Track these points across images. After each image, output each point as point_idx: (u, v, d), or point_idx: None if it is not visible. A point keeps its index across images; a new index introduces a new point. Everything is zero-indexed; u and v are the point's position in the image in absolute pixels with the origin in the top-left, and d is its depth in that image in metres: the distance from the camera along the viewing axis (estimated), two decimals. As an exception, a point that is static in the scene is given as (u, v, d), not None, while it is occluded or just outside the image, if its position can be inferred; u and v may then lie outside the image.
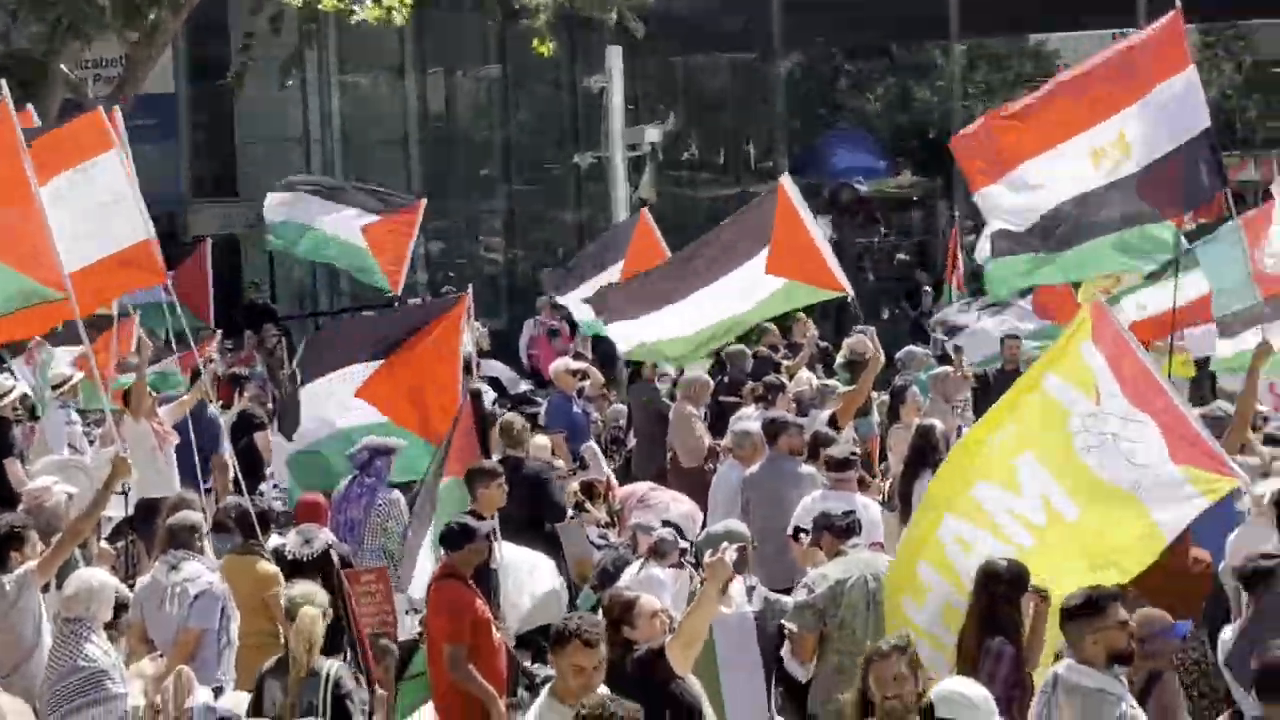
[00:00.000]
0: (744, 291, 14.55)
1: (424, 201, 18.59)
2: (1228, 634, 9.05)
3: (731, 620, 9.91)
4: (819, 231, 14.82)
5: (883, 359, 15.14)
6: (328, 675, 8.85)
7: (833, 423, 14.64)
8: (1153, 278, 15.26)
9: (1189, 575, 9.49)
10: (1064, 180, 13.63)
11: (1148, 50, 13.59)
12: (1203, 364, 17.16)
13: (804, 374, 18.22)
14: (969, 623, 8.66)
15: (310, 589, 9.22)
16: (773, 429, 13.42)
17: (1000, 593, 8.64)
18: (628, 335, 14.96)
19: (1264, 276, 14.51)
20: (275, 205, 19.13)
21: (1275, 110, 35.85)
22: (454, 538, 10.26)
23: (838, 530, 10.39)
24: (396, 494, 12.68)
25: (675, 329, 14.67)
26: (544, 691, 8.04)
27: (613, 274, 17.25)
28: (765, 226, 14.38)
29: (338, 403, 13.45)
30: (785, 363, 18.73)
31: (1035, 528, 9.17)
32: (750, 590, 10.25)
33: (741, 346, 18.60)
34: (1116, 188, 13.44)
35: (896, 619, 9.19)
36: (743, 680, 9.98)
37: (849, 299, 14.56)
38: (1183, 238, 14.37)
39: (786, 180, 14.71)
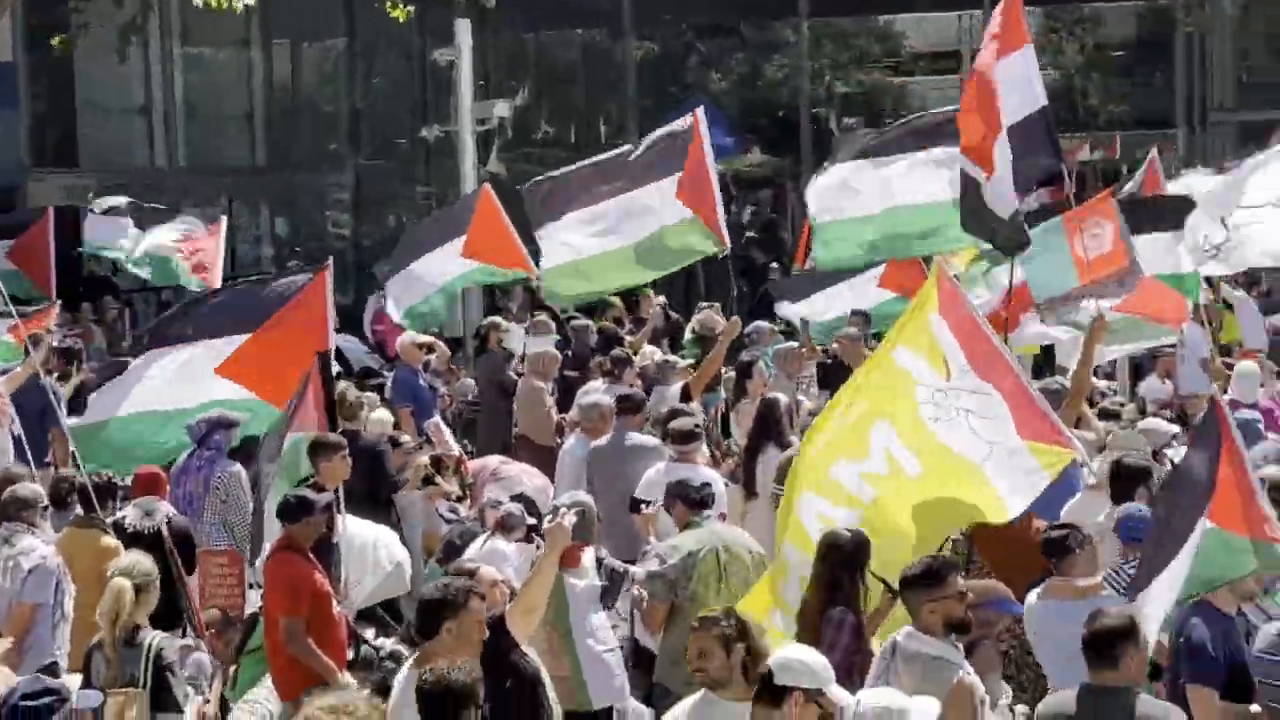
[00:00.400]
0: (655, 210, 15.06)
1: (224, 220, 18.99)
2: (1032, 599, 9.17)
3: (584, 591, 9.91)
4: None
5: (738, 329, 15.29)
6: (149, 646, 8.75)
7: (685, 396, 14.73)
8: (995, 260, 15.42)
9: (1031, 546, 9.61)
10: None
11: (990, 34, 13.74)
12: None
13: (647, 349, 18.27)
14: (811, 592, 8.72)
15: (133, 561, 9.10)
16: (626, 405, 13.46)
17: (842, 562, 8.70)
18: (552, 243, 15.33)
19: (1083, 263, 14.77)
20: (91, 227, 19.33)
21: (1116, 93, 36.39)
22: (291, 510, 10.13)
23: (691, 501, 10.41)
24: (237, 467, 12.51)
25: (595, 243, 15.14)
26: (409, 661, 7.94)
27: (453, 249, 17.13)
28: (678, 156, 14.94)
29: (182, 378, 13.14)
30: (629, 338, 18.74)
31: (878, 478, 9.27)
32: (599, 561, 10.27)
33: (587, 321, 18.66)
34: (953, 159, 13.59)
35: (762, 600, 9.20)
36: (599, 649, 9.97)
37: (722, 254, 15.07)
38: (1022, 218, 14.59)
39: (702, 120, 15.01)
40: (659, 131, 15.92)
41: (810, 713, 6.67)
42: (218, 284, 17.85)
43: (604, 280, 16.16)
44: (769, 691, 6.71)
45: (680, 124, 15.65)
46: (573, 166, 16.46)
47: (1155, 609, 8.15)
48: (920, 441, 9.31)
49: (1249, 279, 22.17)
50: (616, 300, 20.55)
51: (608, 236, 15.42)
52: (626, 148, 16.40)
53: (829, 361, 16.95)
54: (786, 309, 18.56)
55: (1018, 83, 13.12)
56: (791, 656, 6.87)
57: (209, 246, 18.93)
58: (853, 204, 15.04)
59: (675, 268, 16.62)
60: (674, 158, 15.25)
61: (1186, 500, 8.34)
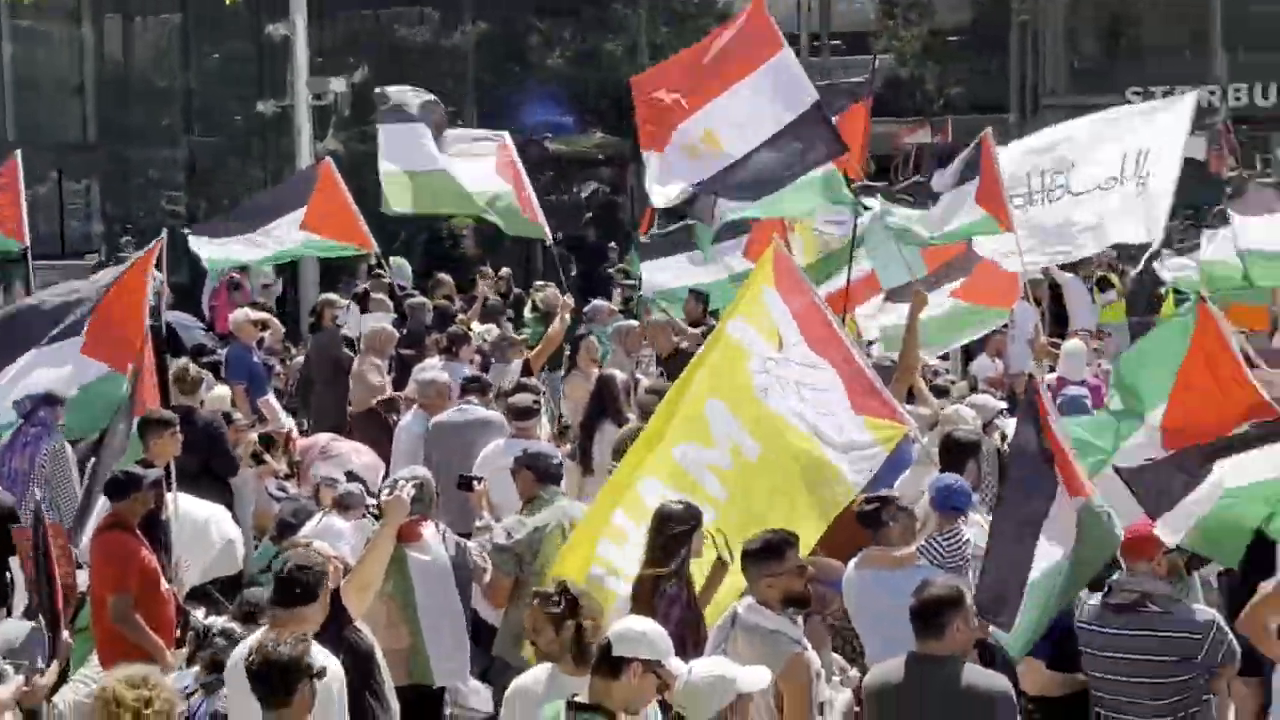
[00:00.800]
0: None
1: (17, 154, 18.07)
2: (850, 570, 9.27)
3: (428, 565, 9.85)
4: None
5: (572, 304, 15.34)
6: None
7: (525, 372, 14.72)
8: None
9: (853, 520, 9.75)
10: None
11: (739, 41, 14.09)
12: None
13: (478, 326, 18.26)
14: (645, 564, 8.72)
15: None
16: (474, 386, 13.50)
17: (675, 534, 8.71)
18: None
19: (929, 252, 14.99)
20: None
21: (952, 78, 36.92)
22: (118, 487, 9.97)
23: (541, 472, 10.34)
24: (61, 443, 12.25)
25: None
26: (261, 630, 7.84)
27: (292, 222, 16.96)
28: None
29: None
30: (460, 315, 18.72)
31: (726, 475, 9.31)
32: (442, 535, 10.21)
33: (423, 299, 18.59)
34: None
35: (578, 557, 9.19)
36: (444, 625, 9.91)
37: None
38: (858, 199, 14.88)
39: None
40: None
41: (649, 683, 6.68)
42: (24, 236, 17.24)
43: (436, 203, 16.43)
44: (607, 662, 6.70)
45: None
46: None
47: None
48: (754, 417, 9.38)
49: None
50: (447, 278, 20.60)
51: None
52: None
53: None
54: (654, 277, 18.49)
55: (785, 86, 13.48)
56: (630, 627, 6.88)
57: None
58: None
59: (501, 222, 16.82)
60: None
61: (1029, 479, 8.47)
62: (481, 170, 16.49)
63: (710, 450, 9.39)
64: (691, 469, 9.34)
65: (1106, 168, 15.10)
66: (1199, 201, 23.71)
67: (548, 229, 16.35)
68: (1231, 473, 8.56)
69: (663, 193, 14.23)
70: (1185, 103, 16.08)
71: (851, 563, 9.24)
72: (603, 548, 9.22)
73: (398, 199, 16.54)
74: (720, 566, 8.70)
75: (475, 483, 11.07)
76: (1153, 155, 15.09)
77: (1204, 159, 30.11)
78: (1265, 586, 8.76)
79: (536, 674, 7.58)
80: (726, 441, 9.38)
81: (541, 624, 7.53)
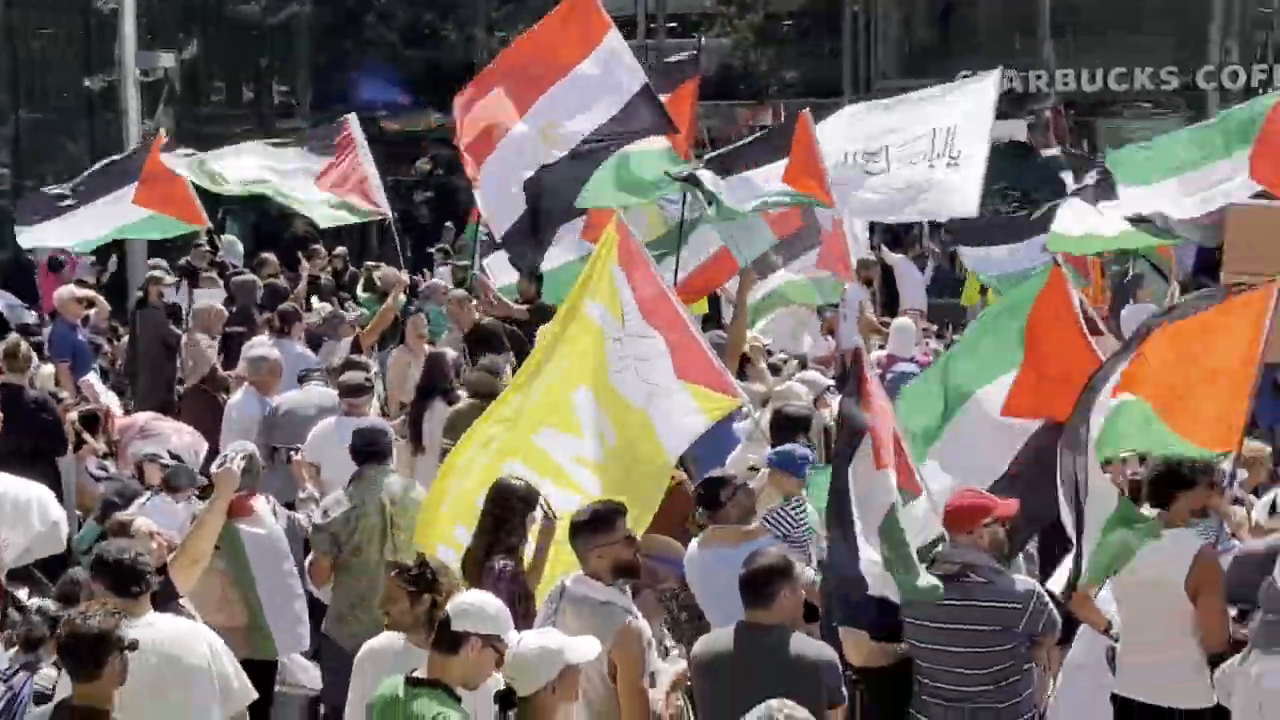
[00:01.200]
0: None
1: None
2: (693, 548, 9.32)
3: (263, 539, 9.78)
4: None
5: (407, 282, 15.27)
6: None
7: (355, 349, 14.63)
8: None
9: (679, 498, 9.84)
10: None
11: (563, 32, 14.20)
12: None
13: (316, 303, 18.12)
14: (476, 539, 8.71)
15: None
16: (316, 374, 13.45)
17: (510, 508, 8.70)
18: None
19: (771, 218, 15.12)
20: None
21: (785, 62, 37.24)
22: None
23: (359, 450, 10.25)
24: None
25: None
26: None
27: (121, 198, 16.70)
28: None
29: None
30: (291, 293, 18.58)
31: (598, 468, 9.33)
32: (272, 508, 10.13)
33: (252, 277, 18.42)
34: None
35: (434, 537, 9.15)
36: (281, 598, 9.82)
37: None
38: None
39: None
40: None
41: (487, 657, 6.66)
42: None
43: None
44: (446, 637, 6.68)
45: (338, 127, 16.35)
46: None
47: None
48: (611, 403, 9.42)
49: (907, 241, 22.99)
50: (271, 257, 20.45)
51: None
52: None
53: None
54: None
55: (615, 70, 13.62)
56: (468, 602, 6.86)
57: None
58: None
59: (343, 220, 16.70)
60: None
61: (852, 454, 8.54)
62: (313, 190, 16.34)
63: (579, 441, 9.40)
64: (557, 455, 9.34)
65: (917, 145, 15.46)
66: (1025, 184, 24.14)
67: (387, 207, 16.11)
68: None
69: (499, 226, 14.37)
70: (989, 81, 16.50)
71: (694, 541, 9.30)
72: (459, 531, 9.20)
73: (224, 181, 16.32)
74: (547, 529, 8.71)
75: (292, 453, 11.00)
76: (960, 133, 15.49)
77: (1026, 140, 30.79)
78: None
79: (390, 639, 7.55)
80: (594, 431, 9.40)
81: (397, 595, 7.49)
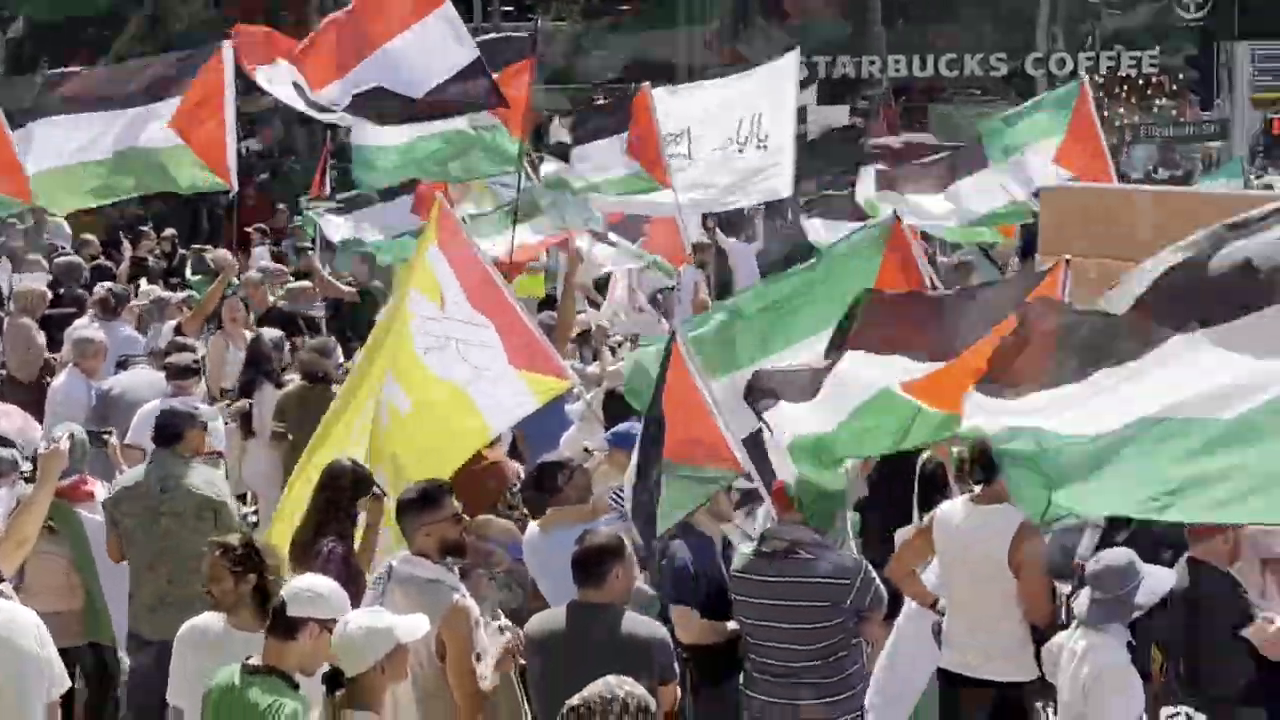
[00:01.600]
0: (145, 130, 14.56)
1: None
2: (533, 530, 9.35)
3: (102, 525, 9.59)
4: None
5: (236, 265, 15.12)
6: None
7: (178, 332, 14.45)
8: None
9: (493, 477, 9.90)
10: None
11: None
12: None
13: (145, 285, 17.86)
14: (305, 520, 8.65)
15: None
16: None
17: (338, 492, 8.67)
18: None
19: (601, 203, 15.20)
20: None
21: (618, 46, 37.43)
22: None
23: (157, 437, 10.06)
24: None
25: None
26: None
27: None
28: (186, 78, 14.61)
29: None
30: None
31: (384, 433, 9.37)
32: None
33: (77, 259, 18.10)
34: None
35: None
36: (118, 582, 9.67)
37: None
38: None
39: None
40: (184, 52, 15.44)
41: (324, 643, 6.60)
42: None
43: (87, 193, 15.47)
44: (283, 623, 6.62)
45: (202, 52, 14.90)
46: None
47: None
48: (412, 375, 9.42)
49: (739, 224, 23.19)
50: (93, 238, 20.10)
51: (91, 150, 14.77)
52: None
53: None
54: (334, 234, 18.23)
55: (446, 39, 13.62)
56: (305, 586, 6.80)
57: None
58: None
59: (164, 189, 15.98)
60: (181, 79, 14.64)
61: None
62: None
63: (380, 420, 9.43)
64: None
65: (724, 131, 15.73)
66: (849, 166, 24.49)
67: (234, 175, 14.86)
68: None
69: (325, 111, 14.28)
70: (787, 63, 16.81)
71: (534, 524, 9.31)
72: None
73: (54, 198, 15.58)
74: (375, 504, 8.68)
75: (105, 435, 10.85)
76: (766, 118, 15.74)
77: (849, 124, 31.24)
78: (904, 533, 9.11)
79: (209, 620, 7.47)
80: (386, 405, 9.40)
81: (220, 574, 7.41)
